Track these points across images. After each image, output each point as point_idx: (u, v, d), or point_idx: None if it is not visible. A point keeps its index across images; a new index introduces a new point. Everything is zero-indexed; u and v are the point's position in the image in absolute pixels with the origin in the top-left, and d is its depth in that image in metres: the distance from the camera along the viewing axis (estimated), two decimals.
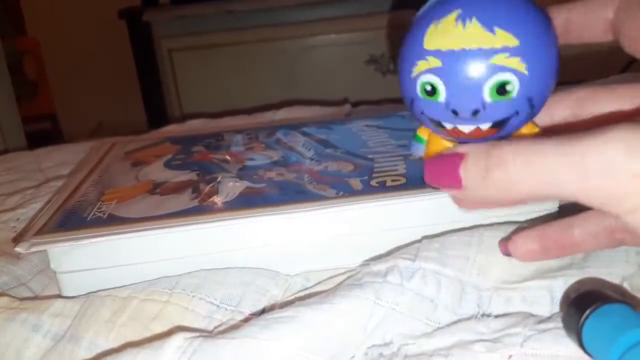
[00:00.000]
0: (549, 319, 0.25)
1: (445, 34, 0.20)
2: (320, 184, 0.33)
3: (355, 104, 0.63)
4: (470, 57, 0.20)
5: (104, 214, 0.32)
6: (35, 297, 0.32)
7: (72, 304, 0.29)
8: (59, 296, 0.31)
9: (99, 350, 0.26)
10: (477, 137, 0.21)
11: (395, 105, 0.57)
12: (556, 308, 0.25)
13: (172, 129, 0.60)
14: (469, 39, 0.20)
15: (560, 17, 0.25)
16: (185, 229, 0.30)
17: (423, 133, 0.24)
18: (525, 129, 0.23)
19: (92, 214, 0.32)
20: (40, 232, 0.31)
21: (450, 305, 0.26)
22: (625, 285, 0.26)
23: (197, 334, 0.25)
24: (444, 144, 0.23)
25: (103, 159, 0.42)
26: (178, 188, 0.34)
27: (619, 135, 0.17)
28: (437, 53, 0.20)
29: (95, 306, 0.28)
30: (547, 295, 0.26)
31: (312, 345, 0.24)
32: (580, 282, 0.26)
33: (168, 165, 0.39)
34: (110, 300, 0.28)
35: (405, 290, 0.26)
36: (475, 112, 0.21)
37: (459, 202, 0.24)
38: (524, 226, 0.29)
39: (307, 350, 0.23)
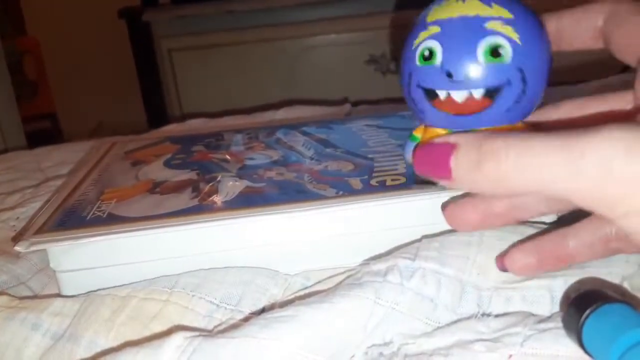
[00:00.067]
0: (549, 318, 0.25)
1: (446, 8, 0.22)
2: (320, 183, 0.33)
3: (355, 104, 0.63)
4: (467, 20, 0.21)
5: (103, 213, 0.32)
6: (35, 296, 0.32)
7: (71, 303, 0.29)
8: (59, 295, 0.31)
9: (98, 350, 0.26)
10: (470, 110, 0.21)
11: (395, 105, 0.57)
12: (556, 308, 0.25)
13: (172, 129, 0.60)
14: (467, 9, 0.21)
15: (551, 25, 0.25)
16: (185, 228, 0.30)
17: (418, 132, 0.24)
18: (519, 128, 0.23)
19: (91, 213, 0.32)
20: (40, 231, 0.31)
21: (450, 305, 0.26)
22: (625, 285, 0.26)
23: (197, 333, 0.25)
24: (437, 133, 0.23)
25: (103, 158, 0.42)
26: (178, 187, 0.34)
27: (618, 135, 0.17)
28: (436, 22, 0.22)
29: (95, 305, 0.28)
30: (547, 295, 0.26)
31: (312, 344, 0.24)
32: (580, 282, 0.26)
33: (168, 164, 0.39)
34: (109, 300, 0.28)
35: (405, 290, 0.26)
36: (469, 74, 0.21)
37: (456, 224, 0.25)
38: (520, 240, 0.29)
39: (307, 350, 0.23)
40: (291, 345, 0.23)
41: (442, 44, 0.21)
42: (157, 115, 1.37)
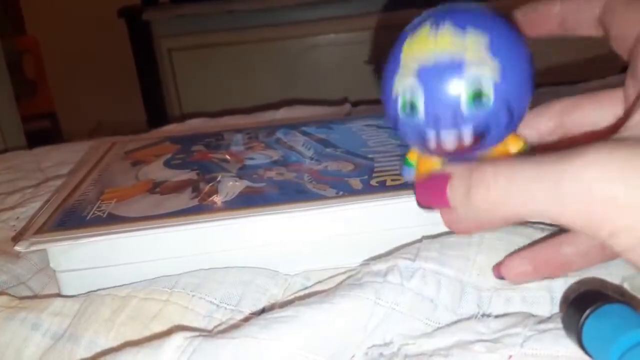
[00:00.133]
0: (548, 319, 0.25)
1: (419, 44, 0.21)
2: (320, 183, 0.33)
3: (355, 104, 0.63)
4: (444, 68, 0.20)
5: (103, 213, 0.32)
6: (35, 296, 0.32)
7: (71, 303, 0.29)
8: (59, 295, 0.31)
9: (98, 349, 0.26)
10: (462, 150, 0.22)
11: None
12: (556, 308, 0.25)
13: (171, 129, 0.60)
14: (441, 45, 0.20)
15: (554, 8, 0.25)
16: (184, 228, 0.30)
17: (412, 157, 0.25)
18: (511, 143, 0.23)
19: (91, 213, 0.32)
20: (40, 231, 0.31)
21: (450, 305, 0.26)
22: (625, 285, 0.26)
23: (197, 333, 0.25)
24: (432, 164, 0.24)
25: (103, 158, 0.42)
26: (178, 187, 0.34)
27: (597, 158, 0.17)
28: (413, 66, 0.21)
29: (95, 305, 0.28)
30: (547, 296, 0.26)
31: (312, 344, 0.24)
32: (580, 283, 0.26)
33: (168, 164, 0.39)
34: (109, 299, 0.28)
35: (406, 290, 0.26)
36: (455, 124, 0.21)
37: (453, 225, 0.25)
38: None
39: (307, 350, 0.23)
40: (291, 346, 0.23)
41: (422, 96, 0.21)
42: (157, 115, 1.37)
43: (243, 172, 0.36)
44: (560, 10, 0.25)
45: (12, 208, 0.42)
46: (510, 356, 0.22)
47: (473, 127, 0.21)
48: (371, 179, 0.32)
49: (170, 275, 0.29)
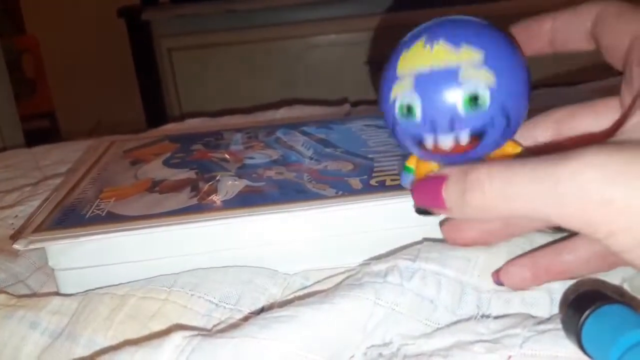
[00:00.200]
0: (548, 320, 0.25)
1: (414, 56, 0.22)
2: (320, 183, 0.33)
3: (355, 104, 0.63)
4: (440, 75, 0.21)
5: (102, 212, 0.32)
6: (33, 295, 0.32)
7: (70, 301, 0.29)
8: (57, 294, 0.31)
9: (97, 348, 0.26)
10: (459, 151, 0.22)
11: None
12: (555, 309, 0.25)
13: (171, 128, 0.59)
14: (437, 57, 0.21)
15: (546, 25, 0.25)
16: (183, 227, 0.30)
17: (411, 163, 0.25)
18: (508, 148, 0.23)
19: (90, 211, 0.32)
20: (39, 229, 0.30)
21: (450, 306, 0.26)
22: (625, 286, 0.26)
23: (196, 332, 0.25)
24: (430, 167, 0.24)
25: (101, 157, 0.42)
26: (177, 186, 0.34)
27: (595, 160, 0.18)
28: (409, 75, 0.22)
29: (94, 304, 0.28)
30: (546, 297, 0.26)
31: (312, 344, 0.23)
32: (579, 283, 0.26)
33: (167, 163, 0.39)
34: (108, 298, 0.28)
35: (405, 291, 0.26)
36: (452, 125, 0.21)
37: (453, 240, 0.26)
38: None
39: (306, 350, 0.23)
40: (291, 346, 0.23)
41: (419, 100, 0.21)
42: (156, 114, 1.37)
43: (242, 171, 0.36)
44: (551, 27, 0.25)
45: (10, 206, 0.42)
46: (510, 357, 0.22)
47: (470, 129, 0.21)
48: (371, 179, 0.32)
49: (169, 274, 0.29)
